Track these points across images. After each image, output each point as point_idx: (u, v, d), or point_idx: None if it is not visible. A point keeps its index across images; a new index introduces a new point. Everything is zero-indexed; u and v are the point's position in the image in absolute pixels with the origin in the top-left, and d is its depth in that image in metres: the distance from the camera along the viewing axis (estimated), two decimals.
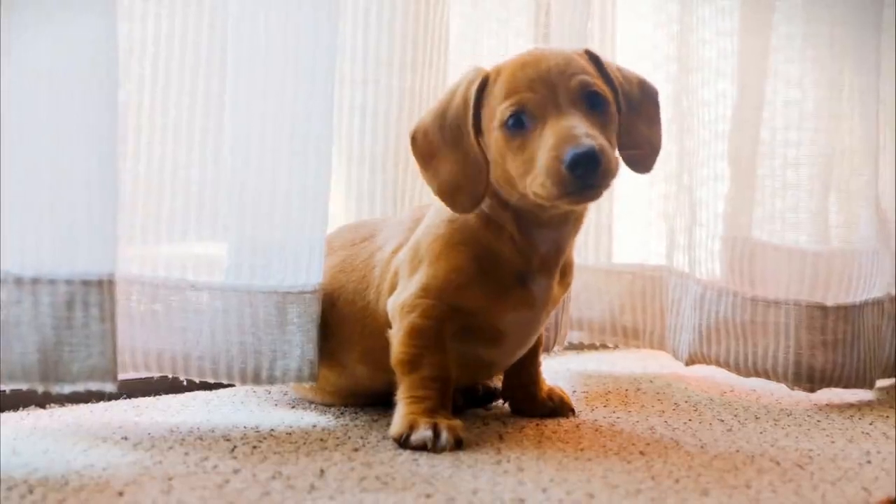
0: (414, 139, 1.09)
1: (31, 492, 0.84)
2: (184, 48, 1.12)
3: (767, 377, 1.40)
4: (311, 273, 1.12)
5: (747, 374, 1.41)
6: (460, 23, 1.45)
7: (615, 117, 1.06)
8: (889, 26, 1.47)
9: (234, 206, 1.11)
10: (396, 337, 1.08)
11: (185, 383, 1.21)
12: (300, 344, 1.12)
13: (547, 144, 0.98)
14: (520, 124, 1.01)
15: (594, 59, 1.08)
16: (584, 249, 1.58)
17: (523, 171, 1.01)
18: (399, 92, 1.33)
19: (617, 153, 1.05)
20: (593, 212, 1.58)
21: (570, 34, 1.40)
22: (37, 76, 0.94)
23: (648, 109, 1.12)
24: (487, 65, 1.08)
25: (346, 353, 1.16)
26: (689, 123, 1.48)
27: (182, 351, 1.11)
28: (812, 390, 1.38)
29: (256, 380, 1.12)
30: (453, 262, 1.07)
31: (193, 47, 1.12)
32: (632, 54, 1.57)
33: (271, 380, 1.12)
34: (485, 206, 1.08)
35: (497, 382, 1.27)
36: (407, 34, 1.34)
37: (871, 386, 1.41)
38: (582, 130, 0.98)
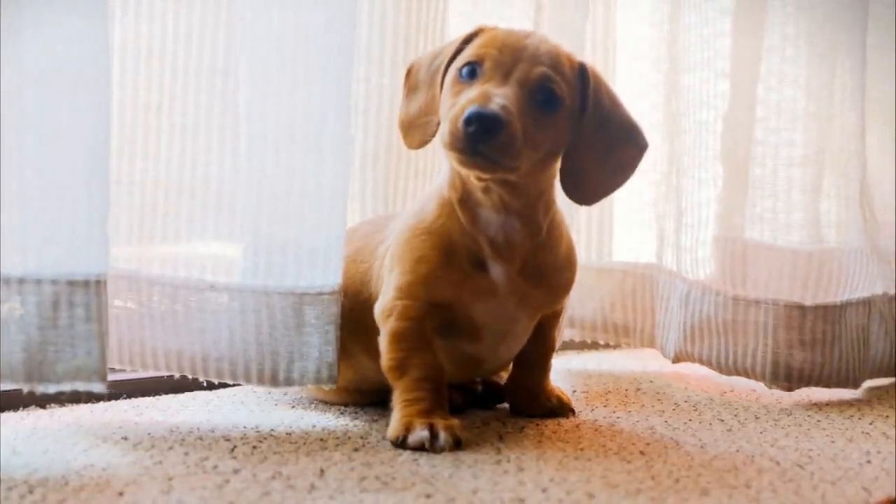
0: (409, 71, 1.13)
1: (31, 492, 0.83)
2: (202, 47, 1.12)
3: (747, 376, 1.40)
4: (328, 274, 1.11)
5: (728, 373, 1.41)
6: (459, 21, 1.44)
7: (562, 128, 1.05)
8: (888, 27, 1.47)
9: (251, 205, 1.10)
10: (383, 344, 1.08)
11: (193, 382, 1.20)
12: (318, 346, 1.11)
13: (466, 97, 1.00)
14: (471, 75, 1.03)
15: (583, 74, 1.07)
16: (577, 247, 1.57)
17: (444, 117, 1.03)
18: (390, 90, 1.32)
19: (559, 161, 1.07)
20: (588, 210, 1.57)
21: (569, 34, 1.40)
22: (26, 76, 0.94)
23: (624, 154, 1.10)
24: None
25: (354, 343, 1.15)
26: (684, 124, 1.47)
27: (201, 352, 1.10)
28: (790, 389, 1.38)
29: (274, 381, 1.11)
30: (416, 254, 1.08)
31: (211, 45, 1.12)
32: (630, 54, 1.57)
33: (289, 382, 1.11)
34: (446, 184, 1.08)
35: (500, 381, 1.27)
36: (398, 32, 1.33)
37: (855, 386, 1.40)
38: (499, 99, 0.98)
